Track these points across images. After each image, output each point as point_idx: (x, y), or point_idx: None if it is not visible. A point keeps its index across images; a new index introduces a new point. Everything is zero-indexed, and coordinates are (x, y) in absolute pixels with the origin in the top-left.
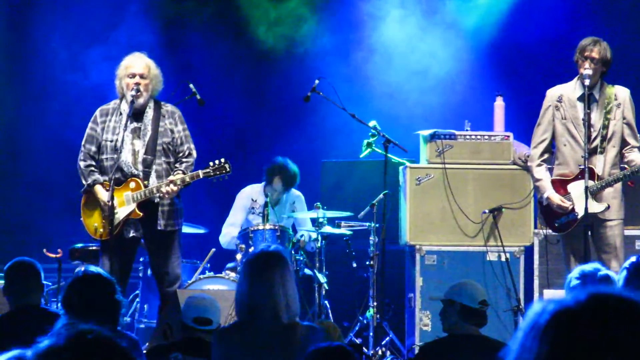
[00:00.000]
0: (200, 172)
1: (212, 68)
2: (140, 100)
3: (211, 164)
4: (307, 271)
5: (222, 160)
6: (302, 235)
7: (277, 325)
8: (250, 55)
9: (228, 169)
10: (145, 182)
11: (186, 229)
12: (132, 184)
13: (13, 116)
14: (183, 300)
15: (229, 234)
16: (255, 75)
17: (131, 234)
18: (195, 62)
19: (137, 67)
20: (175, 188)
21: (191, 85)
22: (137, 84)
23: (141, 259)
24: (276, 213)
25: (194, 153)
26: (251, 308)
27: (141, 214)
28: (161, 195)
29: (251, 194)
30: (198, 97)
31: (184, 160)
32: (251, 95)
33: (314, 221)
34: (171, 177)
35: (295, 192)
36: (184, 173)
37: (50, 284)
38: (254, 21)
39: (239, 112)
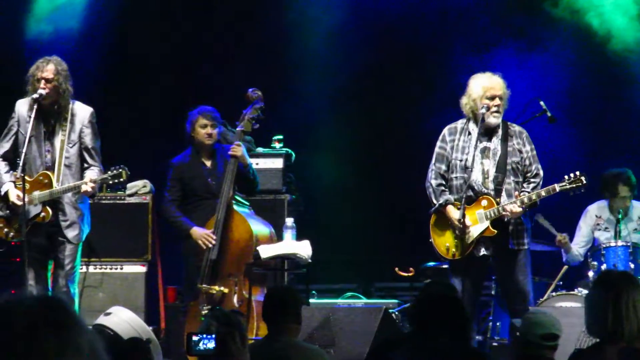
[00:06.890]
0: (557, 186)
1: (561, 83)
2: (494, 121)
3: (566, 177)
4: None
5: (578, 173)
6: None
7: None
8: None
9: (584, 182)
10: (497, 200)
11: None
12: (484, 202)
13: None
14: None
15: (571, 250)
16: (603, 92)
17: (482, 253)
18: (544, 78)
19: (497, 89)
20: (519, 209)
21: (542, 103)
22: (497, 105)
23: (493, 277)
24: (626, 228)
25: (541, 173)
26: (610, 332)
27: (495, 231)
28: (509, 215)
29: (595, 211)
30: (549, 114)
31: (531, 180)
32: (596, 113)
33: None
34: (516, 195)
35: None
36: (529, 192)
37: (403, 302)
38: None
39: (585, 129)
